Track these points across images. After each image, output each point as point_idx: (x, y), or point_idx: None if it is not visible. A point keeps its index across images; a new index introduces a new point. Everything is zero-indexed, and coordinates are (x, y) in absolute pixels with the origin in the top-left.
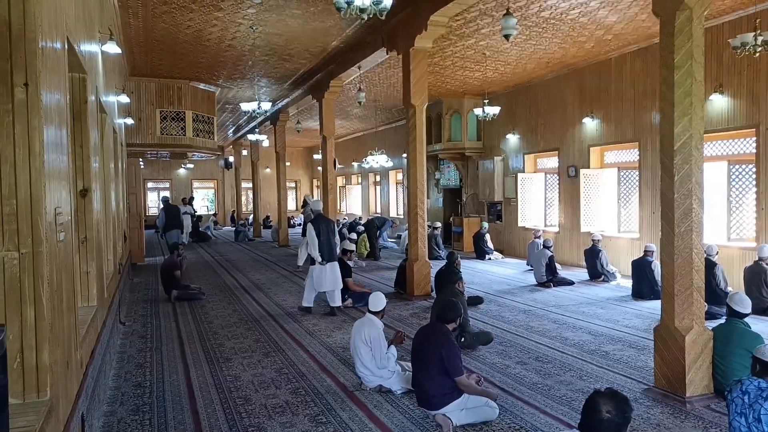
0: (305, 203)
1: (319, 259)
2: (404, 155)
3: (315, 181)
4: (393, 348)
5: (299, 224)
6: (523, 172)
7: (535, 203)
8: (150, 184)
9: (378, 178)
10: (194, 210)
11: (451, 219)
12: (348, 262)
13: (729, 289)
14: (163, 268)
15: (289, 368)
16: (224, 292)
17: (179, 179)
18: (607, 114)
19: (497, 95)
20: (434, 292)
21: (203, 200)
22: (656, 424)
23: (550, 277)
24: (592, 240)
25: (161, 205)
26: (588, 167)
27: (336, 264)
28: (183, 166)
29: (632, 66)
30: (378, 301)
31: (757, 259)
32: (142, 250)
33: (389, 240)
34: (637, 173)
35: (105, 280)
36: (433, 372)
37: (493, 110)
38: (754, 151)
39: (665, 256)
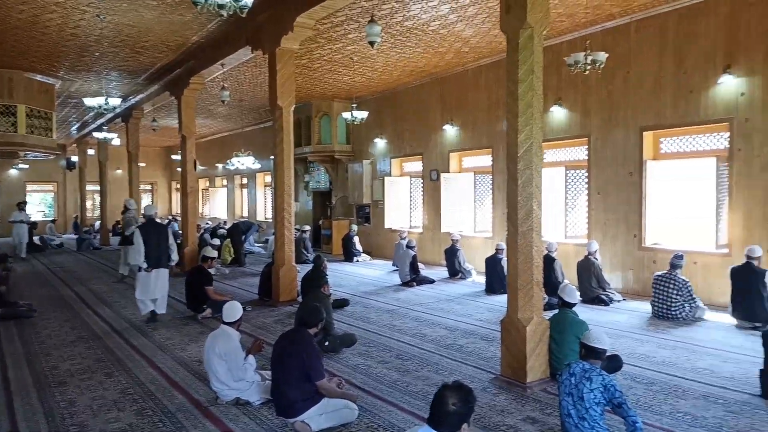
0: (126, 209)
1: (144, 266)
2: (272, 157)
3: (174, 183)
4: (251, 357)
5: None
6: (390, 175)
7: (401, 205)
8: None
9: (245, 181)
10: (28, 216)
11: (320, 222)
12: (209, 269)
13: (566, 281)
14: None
15: (135, 388)
16: (61, 307)
17: (10, 181)
18: (465, 122)
19: (366, 100)
20: (300, 296)
21: (40, 205)
22: (500, 410)
23: (414, 277)
24: (452, 240)
25: None
26: (448, 171)
27: (165, 270)
28: (14, 166)
29: (487, 77)
30: (232, 311)
31: (587, 254)
32: None
33: (256, 245)
34: (491, 177)
35: None
36: (294, 378)
37: (362, 114)
38: (587, 157)
39: (510, 253)
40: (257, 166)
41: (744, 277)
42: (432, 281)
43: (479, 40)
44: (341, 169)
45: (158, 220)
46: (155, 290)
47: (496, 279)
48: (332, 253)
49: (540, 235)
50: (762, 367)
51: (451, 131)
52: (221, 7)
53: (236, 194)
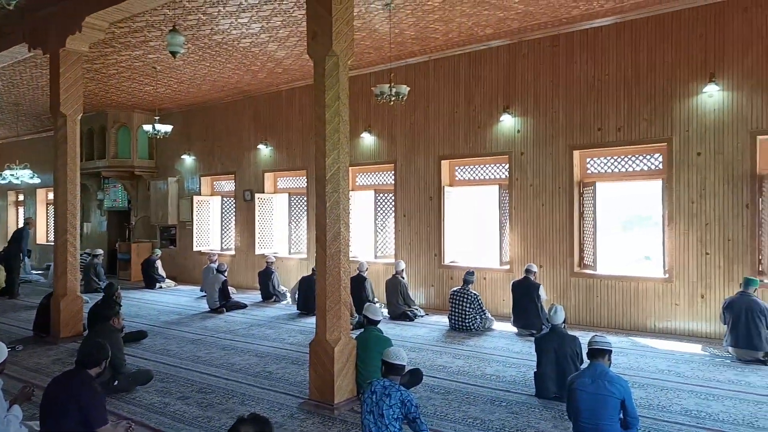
0: None
1: None
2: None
3: None
4: (17, 407)
5: None
6: (200, 194)
7: (212, 227)
8: None
9: (21, 198)
10: None
11: (117, 245)
12: None
13: (375, 299)
14: None
15: None
16: None
17: None
18: (279, 142)
19: (172, 113)
20: (87, 331)
21: None
22: None
23: (224, 302)
24: (266, 262)
25: None
26: (263, 192)
27: None
28: None
29: (300, 99)
30: None
31: (395, 272)
32: None
33: (34, 273)
34: (305, 199)
35: None
36: (70, 427)
37: (165, 128)
38: (393, 182)
39: (319, 275)
40: (37, 180)
41: (522, 290)
42: (244, 306)
43: (292, 62)
44: (142, 187)
45: None
46: None
47: (311, 300)
48: (131, 280)
49: (348, 257)
50: (535, 370)
51: (265, 151)
52: None
53: (10, 213)
